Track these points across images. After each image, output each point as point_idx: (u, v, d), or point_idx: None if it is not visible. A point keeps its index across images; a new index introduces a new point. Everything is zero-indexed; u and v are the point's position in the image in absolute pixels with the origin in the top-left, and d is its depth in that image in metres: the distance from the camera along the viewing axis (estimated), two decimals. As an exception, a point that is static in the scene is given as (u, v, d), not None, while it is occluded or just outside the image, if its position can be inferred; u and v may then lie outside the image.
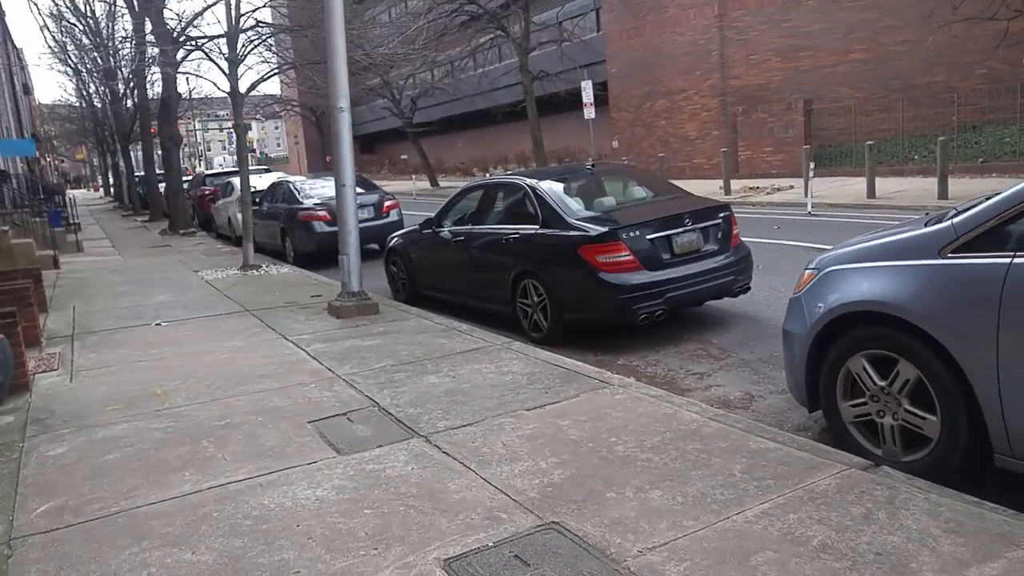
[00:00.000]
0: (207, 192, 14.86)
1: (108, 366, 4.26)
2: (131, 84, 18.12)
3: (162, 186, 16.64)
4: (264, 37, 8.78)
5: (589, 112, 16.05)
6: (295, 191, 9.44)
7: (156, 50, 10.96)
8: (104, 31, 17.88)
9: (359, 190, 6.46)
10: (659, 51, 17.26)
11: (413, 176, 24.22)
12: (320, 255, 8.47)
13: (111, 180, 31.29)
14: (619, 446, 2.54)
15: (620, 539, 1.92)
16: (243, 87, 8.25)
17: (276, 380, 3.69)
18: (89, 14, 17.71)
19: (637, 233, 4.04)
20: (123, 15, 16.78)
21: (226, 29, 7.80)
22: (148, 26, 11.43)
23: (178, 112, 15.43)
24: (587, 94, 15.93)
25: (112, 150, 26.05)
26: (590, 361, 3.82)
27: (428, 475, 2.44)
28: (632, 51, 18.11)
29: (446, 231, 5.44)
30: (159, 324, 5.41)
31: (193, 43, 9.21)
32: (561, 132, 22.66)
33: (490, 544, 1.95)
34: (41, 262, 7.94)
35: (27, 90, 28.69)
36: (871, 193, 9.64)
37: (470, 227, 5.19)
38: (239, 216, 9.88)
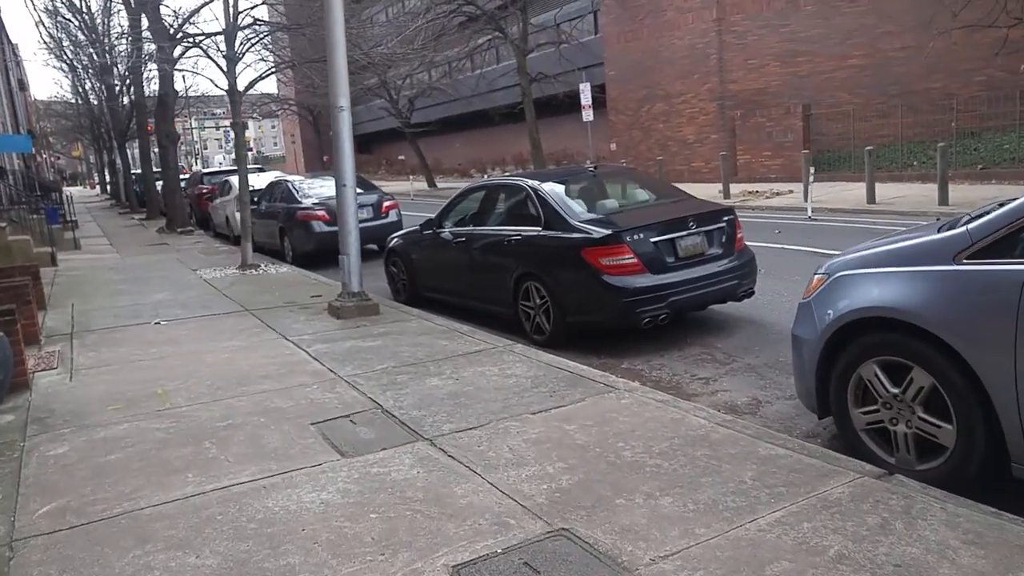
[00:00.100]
0: (204, 191, 14.77)
1: (108, 365, 4.21)
2: (127, 81, 18.02)
3: (159, 184, 16.57)
4: (262, 35, 8.74)
5: (587, 114, 16.06)
6: (294, 190, 9.39)
7: (153, 46, 10.90)
8: (100, 27, 17.79)
9: (358, 190, 6.44)
10: (657, 54, 17.31)
11: (411, 177, 24.18)
12: (319, 255, 8.43)
13: (108, 178, 31.10)
14: (627, 451, 2.52)
15: (631, 547, 1.90)
16: (241, 85, 8.22)
17: (277, 381, 3.66)
18: (85, 9, 17.61)
19: (641, 236, 4.03)
20: (119, 11, 16.73)
21: (224, 26, 7.75)
22: (144, 22, 11.36)
23: (175, 110, 15.34)
24: (585, 96, 15.95)
25: (108, 147, 25.90)
26: (593, 364, 3.80)
27: (434, 479, 2.41)
28: (630, 54, 18.16)
29: (447, 232, 5.42)
30: (158, 323, 5.36)
31: (191, 40, 9.17)
32: (559, 134, 22.69)
33: (499, 551, 1.93)
34: (39, 259, 7.87)
35: (23, 86, 28.46)
36: (871, 198, 9.69)
37: (471, 228, 5.17)
38: (237, 215, 9.83)
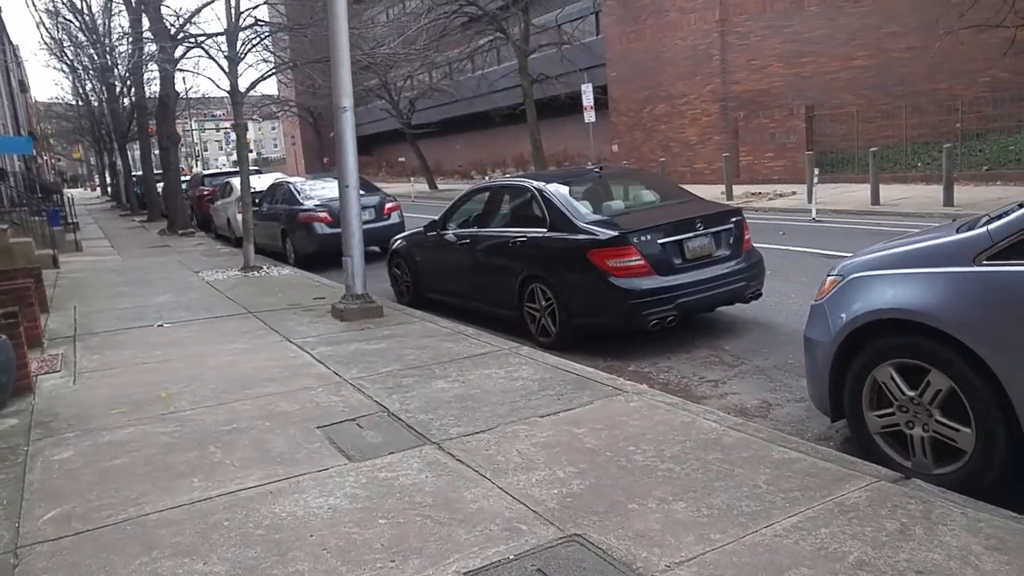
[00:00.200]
0: (206, 192, 14.77)
1: (111, 368, 4.19)
2: (128, 82, 18.03)
3: (160, 186, 16.56)
4: (264, 36, 8.73)
5: (589, 116, 16.05)
6: (295, 192, 9.38)
7: (154, 47, 10.89)
8: (101, 28, 17.79)
9: (360, 192, 6.42)
10: (659, 55, 17.30)
11: (411, 179, 24.17)
12: (321, 257, 8.41)
13: (108, 179, 31.11)
14: (638, 455, 2.49)
15: (646, 553, 1.87)
16: (243, 86, 8.20)
17: (282, 384, 3.64)
18: (86, 10, 17.63)
19: (648, 237, 4.01)
20: (120, 12, 16.74)
21: (226, 27, 7.74)
22: (145, 23, 11.35)
23: (176, 111, 15.33)
24: (587, 97, 15.94)
25: (109, 149, 25.90)
26: (600, 367, 3.77)
27: (443, 484, 2.38)
28: (632, 55, 18.15)
29: (451, 234, 5.39)
30: (161, 325, 5.34)
31: (193, 40, 9.16)
32: (560, 136, 22.68)
33: (511, 557, 1.90)
34: (41, 261, 7.85)
35: (23, 87, 28.49)
36: (875, 200, 9.66)
37: (476, 230, 5.15)
38: (239, 217, 9.81)
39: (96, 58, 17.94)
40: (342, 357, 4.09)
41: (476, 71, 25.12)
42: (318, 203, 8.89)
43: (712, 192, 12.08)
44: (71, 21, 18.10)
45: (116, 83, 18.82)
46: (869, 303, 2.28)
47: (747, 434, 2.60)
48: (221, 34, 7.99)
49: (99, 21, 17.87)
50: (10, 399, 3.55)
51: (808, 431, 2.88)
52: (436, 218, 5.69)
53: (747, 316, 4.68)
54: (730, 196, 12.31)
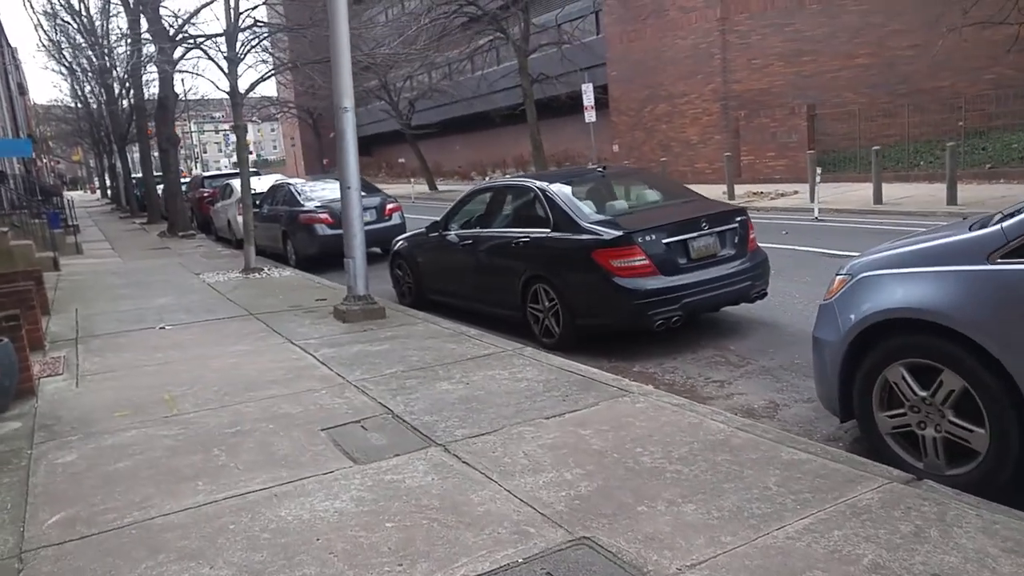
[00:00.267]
0: (206, 194, 14.75)
1: (113, 371, 4.18)
2: (127, 84, 18.02)
3: (160, 188, 16.54)
4: (263, 36, 8.71)
5: (590, 115, 16.03)
6: (296, 193, 9.36)
7: (153, 48, 10.89)
8: (99, 29, 17.79)
9: (361, 193, 6.40)
10: (660, 54, 17.28)
11: (411, 180, 24.15)
12: (322, 258, 8.40)
13: (108, 182, 31.11)
14: (645, 457, 2.47)
15: (656, 556, 1.86)
16: (242, 87, 8.18)
17: (285, 386, 3.62)
18: (83, 12, 17.62)
19: (653, 237, 3.99)
20: (118, 13, 16.74)
21: (225, 27, 7.73)
22: (144, 24, 11.34)
23: (175, 113, 15.32)
24: (588, 97, 15.92)
25: (108, 151, 25.90)
26: (604, 368, 3.75)
27: (449, 486, 2.37)
28: (632, 54, 18.13)
29: (453, 234, 5.38)
30: (163, 328, 5.32)
31: (192, 41, 9.14)
32: (560, 136, 22.66)
33: (520, 560, 1.88)
34: (41, 264, 7.85)
35: (22, 90, 28.49)
36: (877, 199, 9.63)
37: (478, 230, 5.13)
38: (239, 219, 9.79)
39: (95, 60, 17.94)
40: (345, 359, 4.07)
41: (476, 71, 25.09)
42: (319, 204, 8.88)
43: (713, 192, 12.04)
44: (69, 23, 18.13)
45: (115, 85, 18.82)
46: (879, 302, 2.26)
47: (755, 435, 2.58)
48: (220, 35, 7.98)
49: (97, 23, 17.88)
50: (13, 402, 3.54)
51: (817, 432, 2.86)
52: (438, 219, 5.67)
53: (752, 316, 4.66)
54: (732, 196, 12.29)
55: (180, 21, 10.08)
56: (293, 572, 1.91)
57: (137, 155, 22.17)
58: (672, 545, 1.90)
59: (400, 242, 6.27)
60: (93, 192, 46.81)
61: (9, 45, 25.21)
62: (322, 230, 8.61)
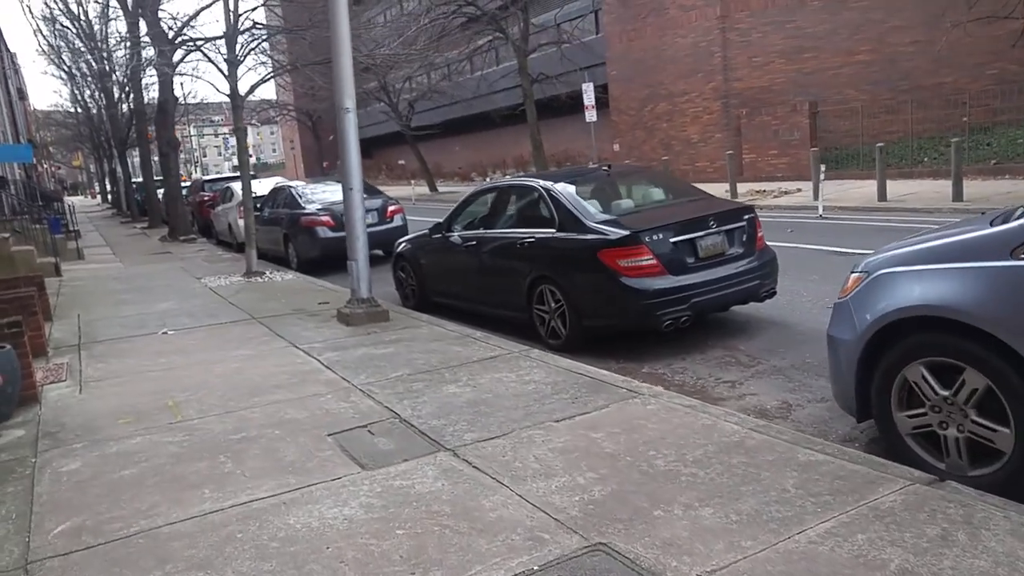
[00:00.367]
0: (206, 198, 14.72)
1: (117, 376, 4.14)
2: (126, 88, 18.02)
3: (160, 192, 16.53)
4: (263, 38, 8.68)
5: (590, 115, 16.00)
6: (297, 196, 9.33)
7: (152, 52, 10.87)
8: (98, 34, 17.79)
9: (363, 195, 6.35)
10: (660, 53, 17.25)
11: (411, 181, 24.13)
12: (324, 261, 8.36)
13: (108, 186, 31.14)
14: (659, 460, 2.43)
15: (675, 562, 1.81)
16: (242, 89, 8.15)
17: (290, 391, 3.58)
18: (82, 16, 17.62)
19: (660, 236, 3.94)
20: (117, 16, 16.74)
21: (225, 30, 7.71)
22: (143, 27, 11.32)
23: (174, 117, 15.32)
24: (588, 96, 15.89)
25: (109, 156, 25.92)
26: (613, 369, 3.71)
27: (460, 492, 2.33)
28: (632, 53, 18.10)
29: (456, 236, 5.34)
30: (165, 333, 5.29)
31: (192, 43, 9.12)
32: (560, 136, 22.63)
33: (535, 568, 1.84)
34: (43, 269, 7.82)
35: (22, 95, 28.51)
36: (882, 196, 9.58)
37: (482, 231, 5.10)
38: (240, 222, 9.76)
39: (94, 64, 17.95)
40: (350, 362, 4.03)
41: (475, 72, 25.08)
42: (320, 207, 8.84)
43: (716, 191, 11.96)
44: (68, 27, 18.13)
45: (114, 89, 18.82)
46: (897, 300, 2.22)
47: (770, 436, 2.53)
48: (220, 37, 7.96)
49: (96, 27, 17.88)
50: (16, 409, 3.51)
51: (832, 432, 2.81)
52: (441, 220, 5.64)
53: (760, 315, 4.61)
54: (734, 194, 12.24)
55: (179, 24, 10.08)
56: (303, 582, 1.87)
57: (137, 159, 22.16)
58: (691, 550, 1.86)
59: (403, 244, 6.23)
60: (94, 197, 46.85)
61: (8, 50, 25.24)
62: (324, 233, 8.58)
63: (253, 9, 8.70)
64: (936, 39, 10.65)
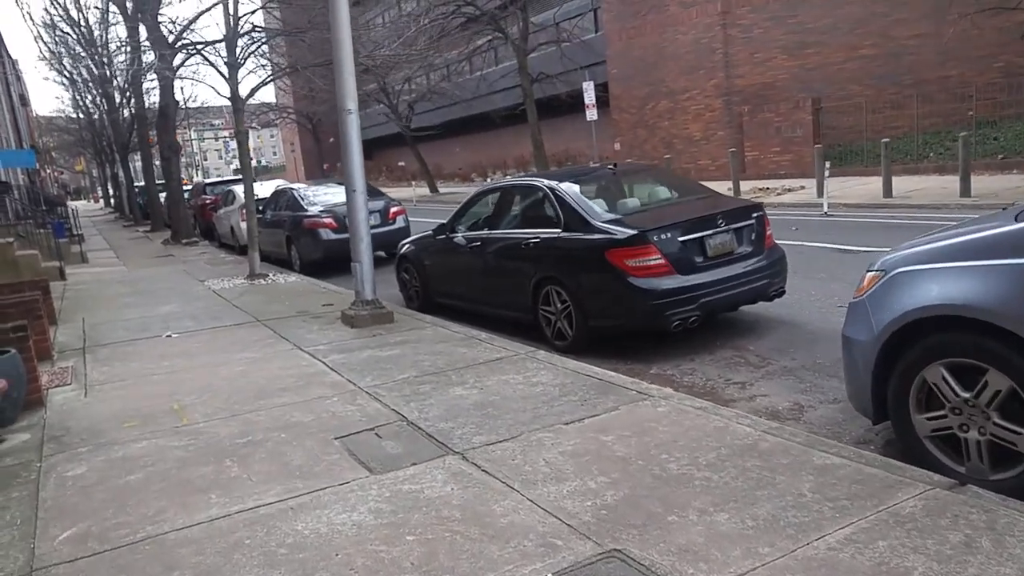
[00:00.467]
0: (208, 201, 14.74)
1: (122, 380, 4.13)
2: (127, 93, 18.05)
3: (162, 196, 16.55)
4: (263, 40, 8.67)
5: (591, 114, 15.95)
6: (299, 198, 9.31)
7: (152, 56, 10.87)
8: (98, 39, 17.83)
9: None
10: (661, 51, 17.19)
11: (412, 183, 24.11)
12: (327, 263, 8.35)
13: (111, 191, 31.24)
14: (672, 463, 2.39)
15: (692, 569, 1.78)
16: (243, 92, 8.13)
17: (296, 393, 3.56)
18: (82, 22, 17.66)
19: (668, 235, 3.90)
20: (117, 21, 16.77)
21: (225, 33, 7.69)
22: (143, 32, 11.31)
23: (176, 121, 15.33)
24: (589, 95, 15.84)
25: (111, 160, 25.98)
26: (620, 370, 3.67)
27: (470, 496, 2.30)
28: (633, 51, 18.04)
29: (460, 236, 5.31)
30: (169, 336, 5.28)
31: (193, 47, 9.11)
32: (561, 135, 22.58)
33: (549, 575, 1.81)
34: (47, 273, 7.82)
35: (24, 101, 28.62)
36: (887, 192, 9.50)
37: (486, 232, 5.06)
38: (242, 225, 9.75)
39: (94, 69, 17.98)
40: (355, 365, 4.01)
41: (475, 72, 25.05)
42: (322, 209, 8.82)
43: (718, 189, 11.88)
44: (68, 33, 18.16)
45: (115, 94, 18.86)
46: (917, 299, 2.17)
47: (784, 439, 2.49)
48: (220, 41, 7.94)
49: (96, 32, 17.92)
50: (21, 413, 3.50)
51: (846, 434, 2.77)
52: (444, 221, 5.61)
53: (769, 314, 4.57)
54: (737, 192, 12.17)
55: (179, 28, 10.07)
56: (313, 590, 1.84)
57: (139, 164, 22.21)
58: (707, 557, 1.82)
59: (406, 245, 6.20)
60: (96, 201, 47.01)
61: (10, 57, 25.32)
62: (326, 235, 8.56)
63: (252, 12, 8.68)
64: (941, 32, 10.58)
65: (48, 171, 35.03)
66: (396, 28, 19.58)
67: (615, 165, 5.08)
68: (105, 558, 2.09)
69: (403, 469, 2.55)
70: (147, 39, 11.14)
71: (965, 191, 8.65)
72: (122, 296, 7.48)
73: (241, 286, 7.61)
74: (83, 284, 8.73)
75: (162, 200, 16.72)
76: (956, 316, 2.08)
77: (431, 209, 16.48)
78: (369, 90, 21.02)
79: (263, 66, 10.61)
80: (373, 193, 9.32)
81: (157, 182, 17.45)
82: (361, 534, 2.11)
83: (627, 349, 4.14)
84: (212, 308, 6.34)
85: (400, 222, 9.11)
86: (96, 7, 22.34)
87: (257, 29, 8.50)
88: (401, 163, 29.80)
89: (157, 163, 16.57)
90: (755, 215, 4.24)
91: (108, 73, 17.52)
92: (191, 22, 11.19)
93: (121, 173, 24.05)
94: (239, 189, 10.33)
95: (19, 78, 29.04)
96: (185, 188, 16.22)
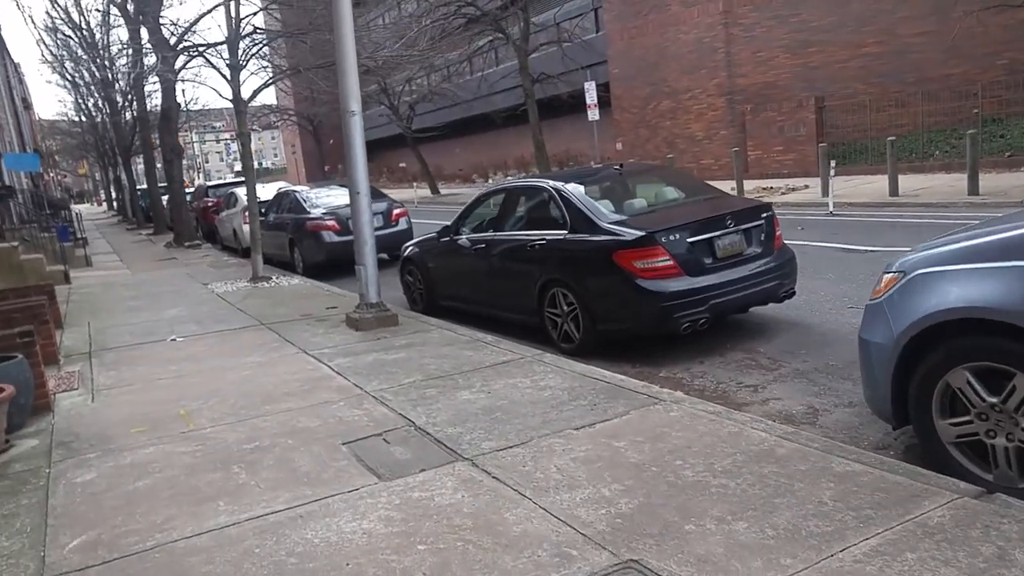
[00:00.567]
0: (210, 204, 14.74)
1: (128, 384, 4.11)
2: (129, 96, 18.08)
3: (165, 198, 16.57)
4: (265, 42, 8.65)
5: (593, 114, 15.91)
6: (302, 201, 9.30)
7: (154, 59, 10.87)
8: (100, 42, 17.87)
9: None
10: (662, 50, 17.15)
11: (414, 184, 24.10)
12: (330, 265, 8.33)
13: (114, 194, 31.30)
14: (687, 470, 2.35)
15: (712, 580, 1.74)
16: (245, 94, 8.11)
17: (302, 398, 3.53)
18: (84, 25, 17.70)
19: (676, 236, 3.86)
20: (119, 24, 16.78)
21: (227, 35, 7.68)
22: (145, 35, 11.32)
23: (178, 123, 15.34)
24: (591, 95, 15.80)
25: (113, 163, 26.03)
26: (629, 373, 3.64)
27: (482, 504, 2.26)
28: (634, 51, 18.00)
29: (465, 238, 5.28)
30: (174, 340, 5.26)
31: (195, 49, 9.10)
32: (561, 135, 22.54)
33: (566, 586, 1.77)
34: (53, 277, 7.83)
35: (27, 105, 28.70)
36: (893, 191, 9.43)
37: (491, 234, 5.03)
38: (245, 227, 9.73)
39: (96, 72, 18.00)
40: (361, 368, 3.98)
41: (475, 73, 25.03)
42: (325, 211, 8.81)
43: (721, 189, 11.87)
44: (70, 36, 18.20)
45: (118, 97, 18.90)
46: (940, 301, 2.12)
47: (800, 444, 2.45)
48: (222, 43, 7.93)
49: (98, 36, 17.95)
50: (29, 418, 3.49)
51: (864, 439, 2.72)
52: (449, 223, 5.58)
53: (778, 316, 4.52)
54: (740, 192, 12.10)
55: (180, 30, 10.06)
56: (325, 602, 1.81)
57: (142, 167, 22.25)
58: (727, 568, 1.78)
59: (410, 248, 6.17)
60: (99, 204, 47.16)
61: (13, 61, 25.39)
62: (329, 237, 8.55)
63: (254, 14, 8.66)
64: (945, 29, 10.49)
65: (51, 174, 35.13)
66: (397, 29, 19.55)
67: (621, 165, 5.04)
68: (115, 567, 2.07)
69: (412, 476, 2.51)
70: (149, 41, 11.14)
71: (973, 189, 8.57)
72: (127, 300, 7.47)
73: (245, 289, 7.59)
74: (88, 288, 8.72)
75: (164, 203, 16.74)
76: (979, 319, 2.03)
77: (432, 210, 16.46)
78: (370, 91, 21.03)
79: (265, 68, 10.60)
80: (375, 195, 9.26)
81: (159, 185, 17.47)
82: (372, 543, 2.08)
83: (635, 351, 4.10)
84: (216, 312, 6.32)
85: (403, 224, 9.09)
86: (97, 10, 22.40)
87: (259, 31, 8.48)
88: (402, 164, 29.78)
89: (159, 166, 16.59)
90: (764, 215, 4.19)
91: (110, 76, 17.56)
92: (193, 24, 11.19)
93: (124, 176, 24.09)
94: (241, 191, 10.30)
95: (22, 81, 29.15)
96: (187, 191, 16.24)
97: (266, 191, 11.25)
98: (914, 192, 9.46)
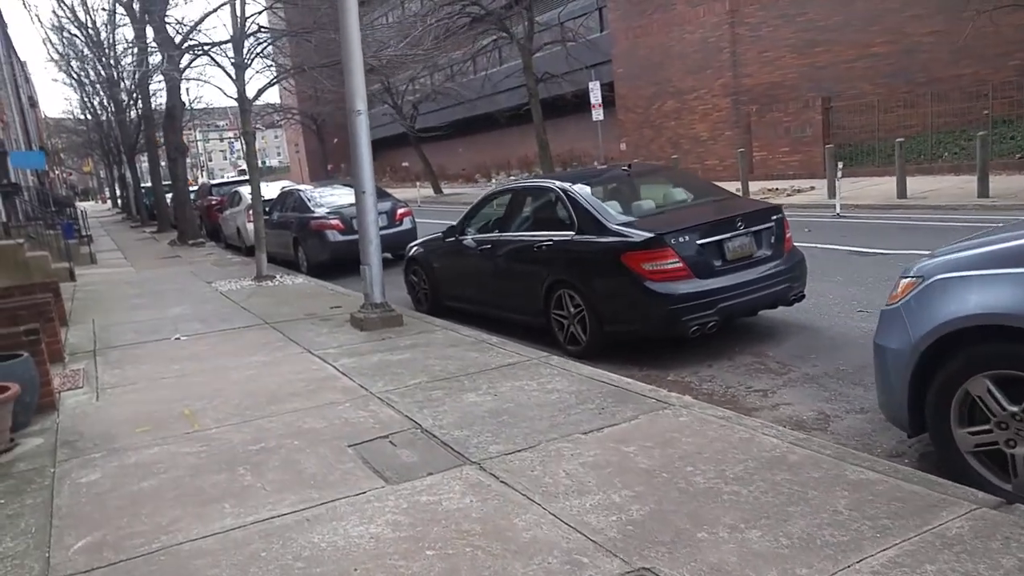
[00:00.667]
0: (214, 202, 14.76)
1: (133, 383, 4.10)
2: (134, 94, 18.12)
3: (169, 196, 16.60)
4: (270, 41, 8.64)
5: (597, 113, 15.86)
6: (306, 200, 9.29)
7: (159, 57, 10.88)
8: (105, 41, 17.91)
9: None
10: (667, 50, 17.07)
11: (417, 183, 24.09)
12: (334, 265, 8.32)
13: (118, 192, 31.40)
14: (698, 477, 2.32)
15: (727, 590, 1.71)
16: (250, 93, 8.11)
17: (307, 399, 3.51)
18: (90, 24, 17.75)
19: (685, 238, 3.82)
20: (124, 23, 16.83)
21: (232, 34, 7.67)
22: (150, 33, 11.33)
23: (182, 122, 15.36)
24: (595, 95, 15.75)
25: (118, 161, 26.11)
26: (637, 377, 3.60)
27: (490, 509, 2.23)
28: (639, 50, 17.94)
29: (470, 239, 5.25)
30: (179, 338, 5.25)
31: (200, 48, 9.10)
32: (565, 135, 22.49)
33: (576, 594, 1.74)
34: (57, 275, 7.84)
35: (33, 103, 28.81)
36: (901, 193, 9.36)
37: (497, 234, 5.00)
38: (248, 226, 9.73)
39: (102, 71, 18.05)
40: (366, 369, 3.96)
41: (479, 72, 24.99)
42: (329, 210, 8.80)
43: (727, 190, 11.81)
44: (76, 35, 18.25)
45: (123, 95, 18.95)
46: (961, 307, 2.08)
47: (813, 451, 2.42)
48: (227, 42, 7.92)
49: (104, 35, 18.00)
50: (34, 417, 3.47)
51: (877, 446, 2.68)
52: (454, 223, 5.55)
53: (787, 319, 4.48)
54: (746, 193, 12.03)
55: (186, 29, 10.06)
56: (332, 609, 1.79)
57: (146, 165, 22.31)
58: (742, 578, 1.75)
59: (415, 248, 6.15)
60: (104, 202, 47.30)
61: (19, 59, 25.49)
62: (333, 236, 8.53)
63: (259, 13, 8.65)
64: (955, 29, 10.39)
65: (57, 172, 35.29)
66: (401, 28, 19.54)
67: (629, 166, 5.00)
68: (120, 569, 2.05)
69: (420, 479, 2.49)
70: (154, 40, 11.15)
71: (983, 191, 8.49)
72: (131, 298, 7.47)
73: (249, 288, 7.58)
74: (92, 285, 8.73)
75: (168, 201, 16.78)
76: (1000, 326, 1.99)
77: (436, 210, 16.44)
78: (373, 90, 21.03)
79: (269, 67, 10.60)
80: (380, 194, 9.19)
81: (164, 183, 17.51)
82: (379, 548, 2.05)
83: (643, 354, 4.07)
84: (220, 310, 6.31)
85: (407, 223, 9.07)
86: (103, 9, 22.49)
87: (264, 30, 8.47)
88: (405, 164, 29.78)
89: (164, 164, 16.63)
90: (774, 217, 4.15)
91: (115, 74, 17.61)
92: (198, 23, 11.19)
93: (128, 174, 24.17)
94: (245, 190, 10.31)
95: (28, 80, 29.27)
96: (191, 189, 16.26)
97: (270, 190, 11.24)
98: (922, 194, 9.39)
